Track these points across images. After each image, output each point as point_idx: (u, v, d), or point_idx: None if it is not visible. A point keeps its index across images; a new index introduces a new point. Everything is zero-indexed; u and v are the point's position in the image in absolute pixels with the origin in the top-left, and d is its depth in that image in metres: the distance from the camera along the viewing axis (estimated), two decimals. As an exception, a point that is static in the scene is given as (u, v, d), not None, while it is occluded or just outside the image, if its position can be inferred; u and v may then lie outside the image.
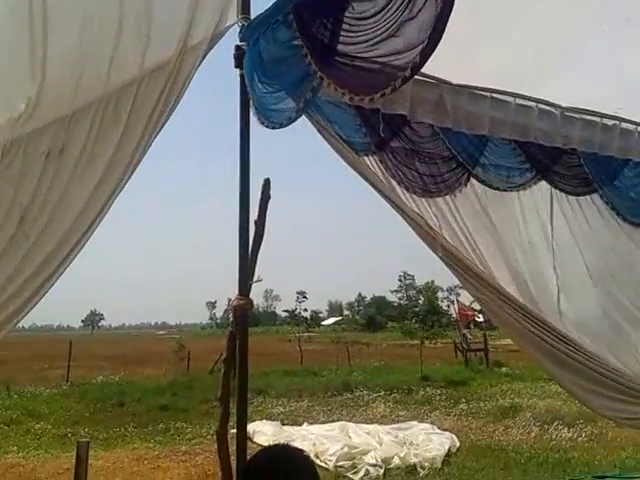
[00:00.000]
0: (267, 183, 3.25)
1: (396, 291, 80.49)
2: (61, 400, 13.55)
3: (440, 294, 39.61)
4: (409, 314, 31.33)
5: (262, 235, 3.03)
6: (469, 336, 23.94)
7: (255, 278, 2.88)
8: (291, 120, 2.39)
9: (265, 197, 3.17)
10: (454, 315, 29.05)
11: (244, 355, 3.05)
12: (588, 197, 3.35)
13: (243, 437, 3.00)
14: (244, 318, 2.75)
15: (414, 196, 3.08)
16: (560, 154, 3.26)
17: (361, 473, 7.39)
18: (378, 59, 1.74)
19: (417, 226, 2.94)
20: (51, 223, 2.17)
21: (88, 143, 2.19)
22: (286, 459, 1.60)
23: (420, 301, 38.73)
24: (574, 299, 3.07)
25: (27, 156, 2.17)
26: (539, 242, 3.20)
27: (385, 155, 3.09)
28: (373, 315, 67.25)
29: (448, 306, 34.89)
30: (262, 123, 2.53)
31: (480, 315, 26.48)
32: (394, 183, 3.07)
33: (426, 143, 3.19)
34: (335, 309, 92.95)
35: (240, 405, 2.95)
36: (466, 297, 30.86)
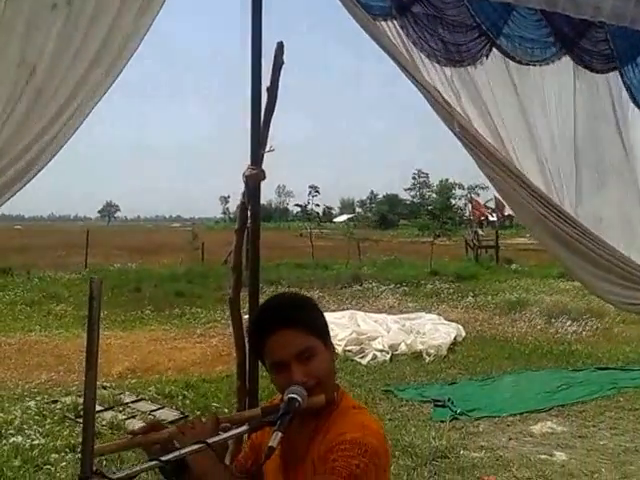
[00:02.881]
0: (280, 47, 2.98)
1: (409, 189, 79.96)
2: (80, 285, 13.99)
3: (458, 191, 39.09)
4: (422, 212, 31.31)
5: (275, 103, 2.83)
6: (481, 233, 24.01)
7: (267, 147, 2.74)
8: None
9: (278, 62, 2.93)
10: (468, 214, 28.99)
11: (256, 238, 2.98)
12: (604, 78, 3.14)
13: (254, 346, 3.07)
14: (256, 189, 2.64)
15: (433, 68, 2.88)
16: (587, 27, 3.04)
17: (368, 357, 7.66)
18: None
19: (433, 99, 2.75)
20: (60, 77, 2.06)
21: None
22: (290, 294, 1.71)
23: (434, 199, 38.55)
24: (590, 187, 2.91)
25: (34, 7, 2.01)
26: (561, 124, 2.99)
27: (406, 20, 2.86)
28: (385, 213, 67.40)
29: (465, 204, 34.66)
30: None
31: (493, 214, 26.44)
32: (413, 53, 2.85)
33: (449, 9, 2.96)
34: (347, 206, 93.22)
35: (252, 293, 2.93)
36: (482, 196, 30.67)
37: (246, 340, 2.88)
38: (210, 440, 1.30)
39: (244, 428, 1.37)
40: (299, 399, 1.36)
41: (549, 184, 2.63)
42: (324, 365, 1.49)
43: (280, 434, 1.27)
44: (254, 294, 2.88)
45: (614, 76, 3.15)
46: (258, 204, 2.71)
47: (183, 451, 1.30)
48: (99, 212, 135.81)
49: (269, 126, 2.84)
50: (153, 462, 1.29)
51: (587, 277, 2.55)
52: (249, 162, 2.83)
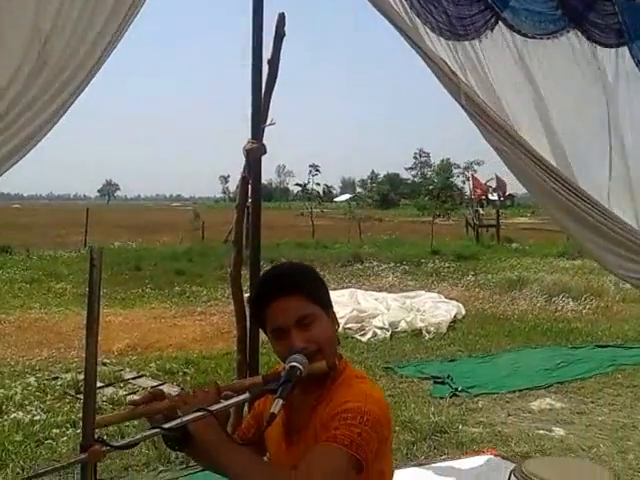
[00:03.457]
0: (282, 19, 2.92)
1: (410, 168, 79.67)
2: (80, 263, 13.98)
3: (455, 170, 38.82)
4: (423, 191, 31.19)
5: (276, 75, 2.79)
6: (482, 212, 23.95)
7: (268, 121, 2.70)
8: None
9: (279, 34, 2.87)
10: (468, 193, 28.88)
11: (257, 213, 2.94)
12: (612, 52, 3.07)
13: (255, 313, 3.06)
14: (257, 163, 2.61)
15: (438, 39, 2.82)
16: (596, 0, 2.97)
17: (368, 335, 7.67)
18: None
19: (440, 71, 2.71)
20: (69, 49, 2.06)
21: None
22: (291, 263, 1.72)
23: (435, 179, 38.37)
24: (599, 160, 2.87)
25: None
26: (568, 97, 2.94)
27: (410, -8, 2.79)
28: (386, 192, 67.18)
29: (464, 182, 34.51)
30: None
31: (494, 193, 26.35)
32: (418, 25, 2.79)
33: (454, -19, 2.88)
34: (348, 186, 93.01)
35: (253, 272, 2.92)
36: (482, 175, 30.53)
37: (247, 314, 2.89)
38: (212, 408, 1.30)
39: (246, 396, 1.36)
40: (300, 367, 1.35)
41: (557, 157, 2.59)
42: (325, 332, 1.49)
43: (281, 401, 1.26)
44: (255, 272, 2.87)
45: (622, 51, 3.09)
46: (259, 178, 2.68)
47: (185, 418, 1.29)
48: (99, 191, 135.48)
49: (270, 99, 2.79)
50: (155, 430, 1.29)
51: (597, 250, 2.53)
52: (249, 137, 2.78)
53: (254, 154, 2.60)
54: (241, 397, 1.36)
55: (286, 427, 1.55)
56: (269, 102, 2.68)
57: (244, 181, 2.62)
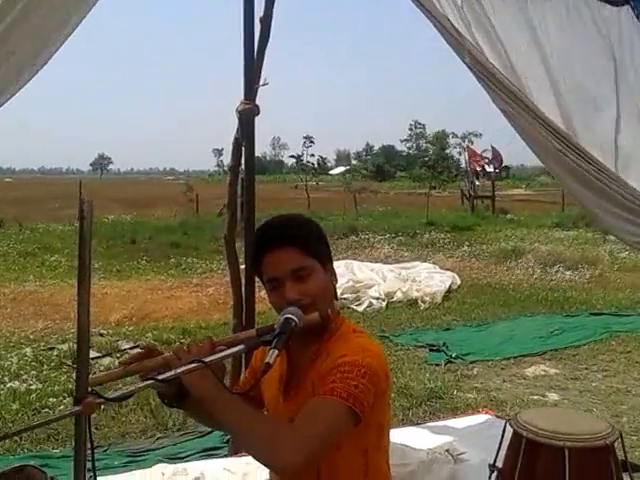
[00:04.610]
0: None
1: (406, 140, 78.94)
2: (74, 236, 13.85)
3: (452, 141, 38.43)
4: (418, 163, 31.02)
5: (268, 34, 2.71)
6: (477, 183, 23.89)
7: (261, 82, 2.63)
8: None
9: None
10: (464, 164, 28.76)
11: (251, 175, 2.90)
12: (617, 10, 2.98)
13: (251, 272, 3.05)
14: (250, 124, 2.55)
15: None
16: None
17: (364, 305, 7.70)
18: None
19: (442, 28, 2.62)
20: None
21: None
22: (294, 214, 1.71)
23: (430, 150, 38.12)
24: (606, 121, 2.81)
25: None
26: (576, 55, 2.86)
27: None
28: (381, 164, 66.86)
29: (459, 153, 34.29)
30: None
31: (490, 165, 26.24)
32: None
33: None
34: (343, 158, 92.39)
35: (248, 243, 2.88)
36: (477, 145, 30.32)
37: (242, 280, 2.87)
38: (207, 359, 1.29)
39: (240, 347, 1.35)
40: (295, 319, 1.34)
41: (565, 118, 2.52)
42: (320, 286, 1.48)
43: (276, 352, 1.26)
44: (250, 243, 2.85)
45: (626, 9, 3.00)
46: (252, 139, 2.62)
47: (179, 370, 1.28)
48: (91, 165, 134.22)
49: (263, 59, 2.72)
50: (148, 381, 1.28)
51: (603, 214, 2.49)
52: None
53: (247, 115, 2.54)
54: (236, 349, 1.35)
55: (283, 382, 1.55)
56: (262, 62, 2.61)
57: (237, 143, 2.56)
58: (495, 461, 1.66)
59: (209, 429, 3.86)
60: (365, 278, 8.63)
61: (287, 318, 1.34)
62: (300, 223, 1.56)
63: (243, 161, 2.81)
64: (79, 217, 1.15)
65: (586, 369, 5.28)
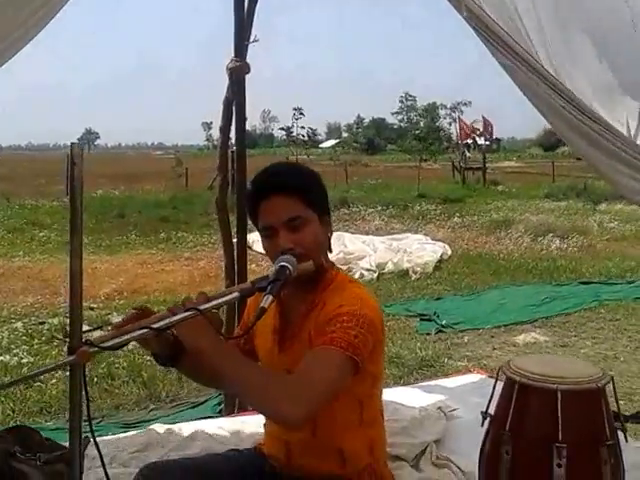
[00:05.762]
0: None
1: (397, 113, 78.23)
2: (62, 212, 13.77)
3: (442, 112, 38.05)
4: (409, 136, 30.84)
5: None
6: (468, 154, 23.82)
7: (252, 38, 2.57)
8: None
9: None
10: (455, 137, 28.63)
11: (241, 135, 2.83)
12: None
13: (243, 245, 3.06)
14: (241, 83, 2.50)
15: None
16: None
17: (356, 276, 7.66)
18: None
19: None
20: None
21: None
22: (294, 163, 1.78)
23: (421, 123, 37.88)
24: (612, 76, 2.73)
25: None
26: (578, 6, 2.76)
27: None
28: (372, 137, 66.49)
29: (450, 124, 34.12)
30: None
31: (481, 137, 26.14)
32: None
33: None
34: (333, 131, 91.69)
35: (240, 217, 2.85)
36: (468, 116, 30.16)
37: (234, 241, 2.86)
38: (202, 307, 1.29)
39: (235, 295, 1.35)
40: (289, 267, 1.34)
41: (567, 73, 2.45)
42: (314, 236, 1.47)
43: (271, 297, 1.26)
44: (242, 216, 2.82)
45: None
46: (243, 99, 2.57)
47: (174, 318, 1.27)
48: (78, 140, 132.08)
49: (253, 14, 2.64)
50: (143, 330, 1.26)
51: (611, 173, 2.44)
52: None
53: (237, 73, 2.49)
54: (230, 296, 1.35)
55: (278, 334, 1.55)
56: (253, 17, 2.54)
57: (227, 102, 2.51)
58: (488, 408, 1.68)
59: (202, 400, 3.89)
60: (356, 250, 8.64)
61: (282, 266, 1.33)
62: (301, 172, 1.55)
63: (234, 131, 2.74)
64: (70, 163, 1.13)
65: (575, 336, 5.33)
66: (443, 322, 5.58)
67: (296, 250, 1.41)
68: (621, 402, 3.81)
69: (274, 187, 1.46)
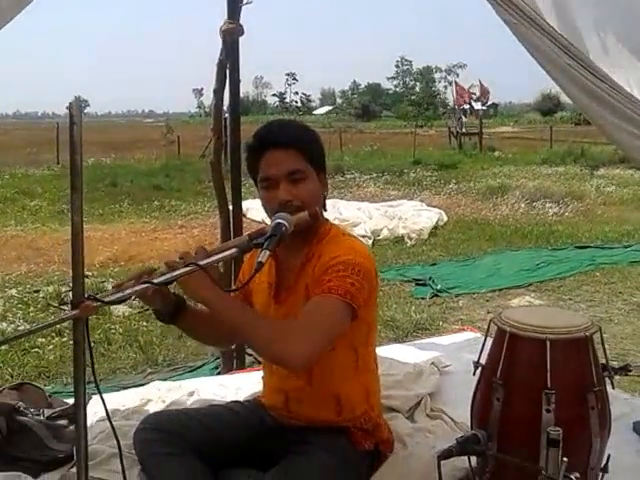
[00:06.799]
0: None
1: (392, 78, 77.15)
2: (54, 181, 13.63)
3: (437, 75, 37.48)
4: (405, 101, 30.50)
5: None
6: (465, 120, 23.59)
7: (245, 0, 2.47)
8: None
9: None
10: (451, 102, 28.32)
11: (235, 99, 2.76)
12: None
13: (238, 212, 3.04)
14: (235, 45, 2.42)
15: None
16: None
17: (351, 242, 7.68)
18: None
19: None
20: None
21: None
22: (295, 120, 1.72)
23: (417, 88, 37.39)
24: (618, 37, 2.64)
25: None
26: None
27: None
28: (367, 103, 65.62)
29: (445, 87, 33.69)
30: None
31: (477, 102, 25.88)
32: None
33: None
34: (328, 97, 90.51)
35: (234, 183, 2.80)
36: (464, 79, 29.77)
37: (229, 204, 2.85)
38: (201, 262, 1.31)
39: (233, 251, 1.38)
40: (285, 224, 1.37)
41: (574, 32, 2.37)
42: (312, 191, 1.52)
43: (268, 252, 1.29)
44: (237, 188, 2.78)
45: None
46: (237, 62, 2.49)
47: (175, 273, 1.29)
48: (67, 108, 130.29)
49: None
50: (145, 285, 1.29)
51: (616, 132, 2.37)
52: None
53: (231, 35, 2.41)
54: (228, 252, 1.38)
55: (275, 286, 1.60)
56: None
57: (221, 64, 2.44)
58: (479, 358, 1.72)
59: (199, 364, 3.89)
60: (351, 217, 8.59)
61: (278, 223, 1.37)
62: (303, 128, 1.60)
63: (227, 94, 2.67)
64: (69, 122, 1.13)
65: (570, 299, 5.35)
66: (438, 287, 5.58)
67: (294, 202, 1.46)
68: (614, 362, 3.87)
69: (278, 140, 1.49)
